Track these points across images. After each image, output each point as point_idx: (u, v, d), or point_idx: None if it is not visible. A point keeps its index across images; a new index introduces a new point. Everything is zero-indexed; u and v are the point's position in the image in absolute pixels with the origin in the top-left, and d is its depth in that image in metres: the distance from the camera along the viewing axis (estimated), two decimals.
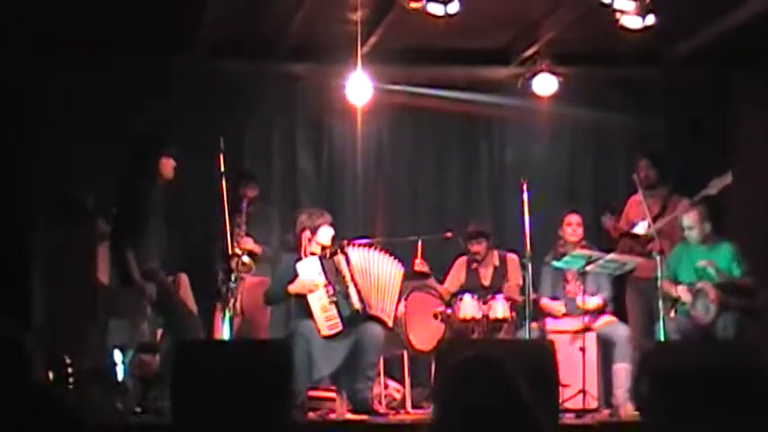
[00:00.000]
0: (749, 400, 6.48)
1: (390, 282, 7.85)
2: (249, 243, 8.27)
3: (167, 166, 7.53)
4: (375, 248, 8.03)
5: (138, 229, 7.36)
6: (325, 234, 7.81)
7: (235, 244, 7.86)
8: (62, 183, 8.78)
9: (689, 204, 8.17)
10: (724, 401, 6.46)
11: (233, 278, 7.73)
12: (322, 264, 7.68)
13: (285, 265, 7.77)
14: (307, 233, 7.81)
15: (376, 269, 7.84)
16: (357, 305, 7.61)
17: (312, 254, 7.76)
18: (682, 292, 7.94)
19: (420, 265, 8.47)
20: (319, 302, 7.59)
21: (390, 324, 7.82)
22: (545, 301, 8.59)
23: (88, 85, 8.85)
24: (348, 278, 7.69)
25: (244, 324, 8.24)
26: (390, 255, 8.04)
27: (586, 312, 8.20)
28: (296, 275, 7.66)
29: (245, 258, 8.14)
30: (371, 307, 7.68)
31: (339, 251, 7.78)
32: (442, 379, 3.24)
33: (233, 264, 7.77)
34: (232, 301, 7.77)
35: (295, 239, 7.88)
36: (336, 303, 7.58)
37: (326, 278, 7.64)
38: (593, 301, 8.35)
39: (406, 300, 8.31)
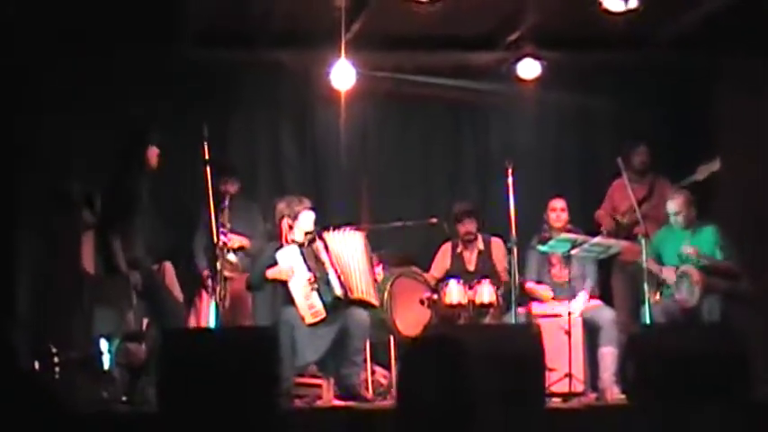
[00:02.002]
0: (733, 384, 6.51)
1: (359, 256, 7.81)
2: (236, 241, 8.22)
3: (153, 154, 7.51)
4: (347, 228, 7.98)
5: (123, 218, 7.34)
6: (307, 219, 7.80)
7: (221, 240, 7.77)
8: (47, 172, 8.76)
9: (676, 189, 8.20)
10: (709, 385, 6.49)
11: (218, 268, 7.67)
12: (302, 252, 7.67)
13: (266, 254, 7.76)
14: (286, 221, 7.79)
15: (348, 250, 7.80)
16: (338, 291, 7.59)
17: (293, 241, 7.74)
18: (666, 272, 7.97)
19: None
20: (301, 291, 7.58)
21: (376, 302, 7.80)
22: (531, 285, 8.59)
23: (71, 76, 8.81)
24: (327, 264, 7.67)
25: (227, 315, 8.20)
26: (354, 227, 8.02)
27: (572, 297, 8.24)
28: (276, 264, 7.65)
29: (232, 257, 8.12)
30: (353, 291, 7.67)
31: (317, 238, 7.75)
32: (401, 360, 3.25)
33: (218, 254, 7.70)
34: (220, 292, 7.70)
35: (275, 228, 7.87)
36: (318, 291, 7.57)
37: (307, 266, 7.63)
38: (580, 301, 8.37)
39: (391, 286, 8.32)
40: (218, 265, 7.62)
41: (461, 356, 3.16)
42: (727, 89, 9.54)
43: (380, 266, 8.04)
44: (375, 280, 7.85)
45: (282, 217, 7.80)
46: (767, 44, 8.99)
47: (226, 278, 7.75)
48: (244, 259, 8.43)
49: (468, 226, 8.71)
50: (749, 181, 9.26)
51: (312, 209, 7.85)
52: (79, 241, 8.09)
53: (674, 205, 8.10)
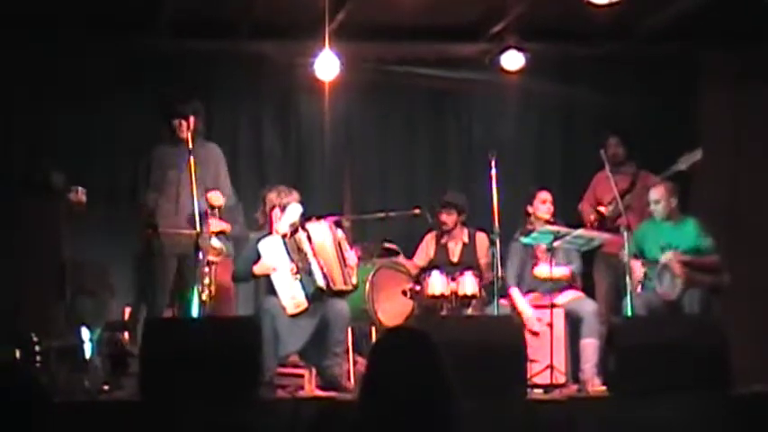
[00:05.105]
0: (713, 376, 6.55)
1: (330, 244, 7.81)
2: (217, 224, 8.15)
3: (181, 125, 7.47)
4: (322, 219, 7.97)
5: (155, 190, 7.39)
6: (295, 211, 7.79)
7: (204, 225, 7.70)
8: (28, 160, 8.75)
9: (659, 180, 8.22)
10: (689, 377, 6.52)
11: (200, 255, 7.61)
12: (284, 243, 7.66)
13: (251, 245, 7.74)
14: (277, 211, 7.78)
15: (322, 238, 7.78)
16: (321, 282, 7.58)
17: (277, 232, 7.72)
18: (645, 268, 7.98)
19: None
20: (283, 282, 7.56)
21: (350, 287, 7.76)
22: (514, 293, 8.48)
23: (52, 64, 8.80)
24: (310, 255, 7.64)
25: (210, 304, 8.16)
26: (336, 218, 8.03)
27: (552, 280, 8.24)
28: (260, 255, 7.64)
29: (215, 243, 8.07)
30: (335, 282, 7.66)
31: (300, 228, 7.74)
32: (369, 355, 3.25)
33: (201, 242, 7.64)
34: (205, 280, 7.64)
35: (264, 217, 7.85)
36: (300, 281, 7.56)
37: (290, 257, 7.61)
38: (560, 271, 8.37)
39: (373, 276, 8.32)
40: (201, 254, 7.56)
41: (433, 350, 3.16)
42: (709, 81, 9.59)
43: (354, 250, 8.02)
44: (346, 264, 7.81)
45: (273, 207, 7.77)
46: (748, 38, 9.04)
47: (210, 263, 7.70)
48: (226, 243, 8.39)
49: (447, 218, 8.67)
50: (728, 172, 9.32)
51: (300, 202, 7.83)
52: (59, 229, 8.06)
53: (655, 194, 8.11)
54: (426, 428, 3.06)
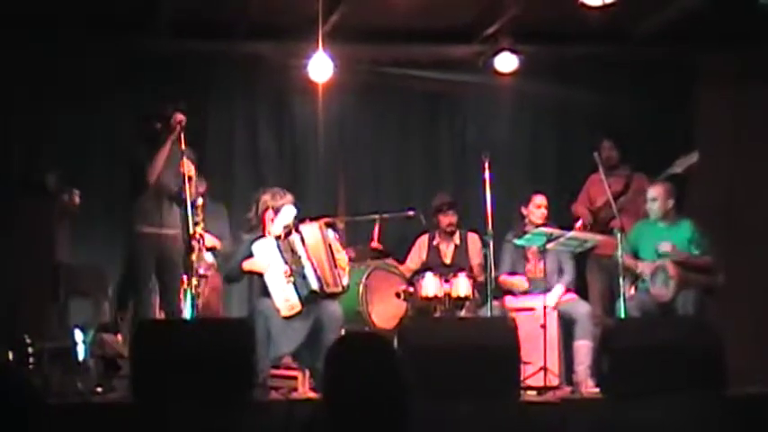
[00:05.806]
0: (707, 377, 6.55)
1: (322, 246, 7.79)
2: (210, 240, 8.15)
3: (174, 121, 7.45)
4: (315, 221, 7.96)
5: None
6: (289, 213, 7.77)
7: (197, 238, 7.66)
8: (27, 160, 8.75)
9: (655, 182, 8.24)
10: (683, 378, 6.52)
11: (194, 259, 7.58)
12: (278, 245, 7.64)
13: (244, 246, 7.72)
14: (270, 213, 7.76)
15: (314, 240, 7.76)
16: (314, 285, 7.56)
17: (270, 234, 7.71)
18: (642, 267, 7.99)
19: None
20: (277, 284, 7.54)
21: (340, 289, 7.74)
22: (504, 278, 8.58)
23: (52, 64, 8.79)
24: (304, 258, 7.63)
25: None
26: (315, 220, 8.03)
27: (547, 291, 8.26)
28: (252, 256, 7.62)
29: (209, 257, 8.06)
30: (329, 284, 7.65)
31: (294, 230, 7.72)
32: (327, 356, 3.27)
33: (194, 245, 7.61)
34: (195, 288, 7.61)
35: (258, 219, 7.83)
36: (294, 284, 7.54)
37: (283, 259, 7.59)
38: (555, 294, 8.37)
39: (367, 278, 8.32)
40: (193, 257, 7.55)
41: (387, 350, 3.19)
42: (705, 84, 9.59)
43: (346, 252, 7.99)
44: (337, 265, 7.78)
45: (267, 209, 7.75)
46: (744, 39, 9.04)
47: (201, 276, 7.69)
48: (216, 259, 8.41)
49: (451, 217, 8.75)
50: (723, 175, 9.32)
51: (294, 204, 7.82)
52: (53, 231, 8.06)
53: (653, 192, 8.12)
54: (383, 427, 3.08)
